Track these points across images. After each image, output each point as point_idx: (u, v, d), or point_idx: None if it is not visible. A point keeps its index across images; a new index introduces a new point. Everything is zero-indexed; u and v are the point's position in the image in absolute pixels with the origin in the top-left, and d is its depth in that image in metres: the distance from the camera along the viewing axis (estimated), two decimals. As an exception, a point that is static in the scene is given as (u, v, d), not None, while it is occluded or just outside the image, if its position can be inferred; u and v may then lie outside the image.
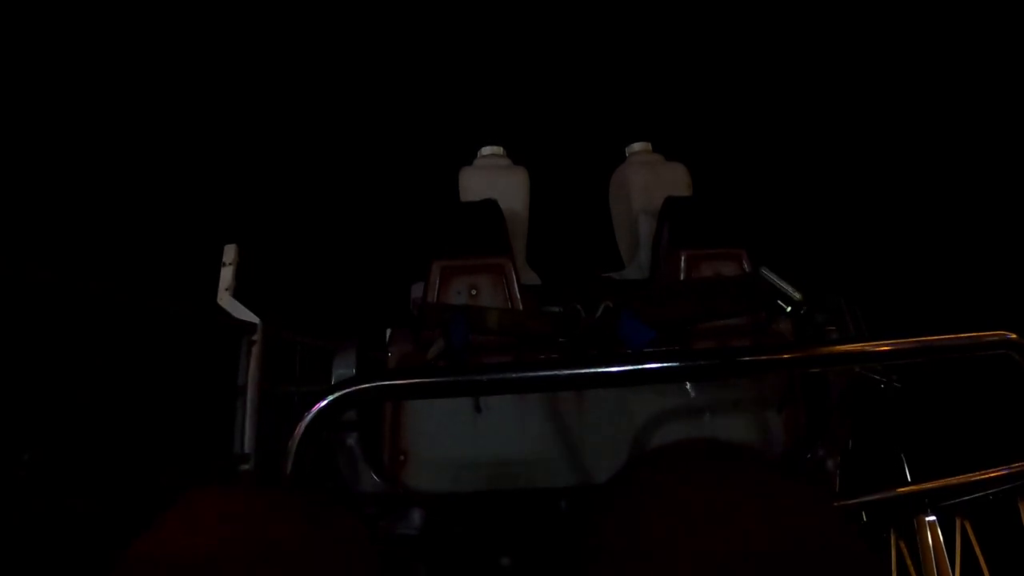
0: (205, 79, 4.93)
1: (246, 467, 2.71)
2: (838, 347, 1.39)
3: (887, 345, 1.34)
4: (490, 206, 2.47)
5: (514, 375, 1.35)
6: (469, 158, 3.08)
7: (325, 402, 1.26)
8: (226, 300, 2.73)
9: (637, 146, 3.10)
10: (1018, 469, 1.76)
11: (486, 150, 3.07)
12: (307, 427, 1.25)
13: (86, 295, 1.89)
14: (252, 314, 2.72)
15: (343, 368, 2.12)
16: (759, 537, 0.94)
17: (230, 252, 2.79)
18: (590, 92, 5.48)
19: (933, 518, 1.79)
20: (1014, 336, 1.36)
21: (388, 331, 2.29)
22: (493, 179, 2.89)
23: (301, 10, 5.25)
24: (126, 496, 1.87)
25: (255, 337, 2.72)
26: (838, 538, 0.99)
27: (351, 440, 2.12)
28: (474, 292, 2.19)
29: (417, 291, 2.35)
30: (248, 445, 2.73)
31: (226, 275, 2.74)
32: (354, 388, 1.28)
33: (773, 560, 0.92)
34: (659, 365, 1.30)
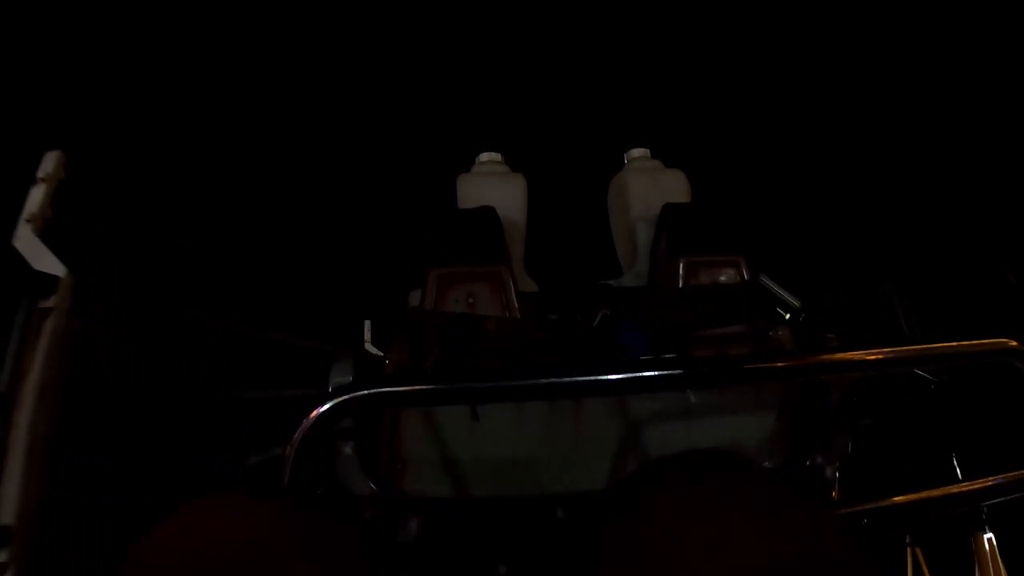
0: (204, 81, 4.93)
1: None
2: (837, 355, 1.39)
3: (887, 353, 1.34)
4: (488, 213, 2.47)
5: (512, 383, 1.35)
6: (467, 165, 3.08)
7: (323, 409, 1.26)
8: (25, 237, 1.80)
9: (636, 152, 3.10)
10: (1016, 477, 1.75)
11: (484, 156, 3.07)
12: (305, 434, 1.24)
13: None
14: (60, 265, 1.80)
15: (341, 375, 2.11)
16: (761, 549, 0.94)
17: (50, 162, 1.86)
18: (588, 98, 5.48)
19: (990, 535, 1.77)
20: (1014, 343, 1.36)
21: (367, 323, 2.21)
22: (491, 186, 2.89)
23: (297, 14, 5.25)
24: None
25: (50, 302, 1.70)
26: (840, 549, 0.98)
27: (348, 446, 2.11)
28: (471, 300, 2.19)
29: (415, 299, 2.35)
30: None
31: (35, 197, 1.80)
32: (352, 395, 1.28)
33: (775, 572, 0.91)
34: (657, 373, 1.30)
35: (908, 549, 2.13)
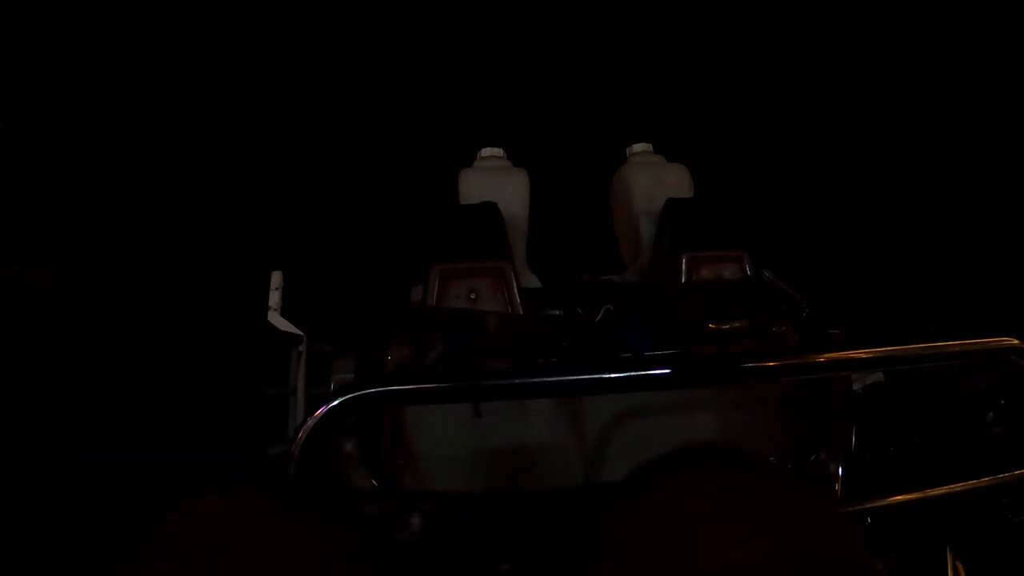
0: (203, 76, 4.92)
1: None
2: (842, 352, 1.38)
3: (891, 350, 1.33)
4: (489, 209, 2.46)
5: (515, 380, 1.34)
6: (468, 159, 3.07)
7: (327, 407, 1.25)
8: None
9: (638, 147, 3.09)
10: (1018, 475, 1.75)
11: (486, 151, 3.06)
12: (309, 432, 1.24)
13: (158, 313, 1.89)
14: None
15: (342, 373, 2.10)
16: (769, 546, 0.93)
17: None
18: (590, 93, 5.47)
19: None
20: (1015, 341, 1.35)
21: (274, 275, 2.49)
22: (493, 181, 2.88)
23: (298, 11, 5.24)
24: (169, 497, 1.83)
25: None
26: (847, 547, 0.98)
27: (350, 443, 2.11)
28: (473, 296, 2.18)
29: (416, 295, 2.34)
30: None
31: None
32: (356, 394, 1.27)
33: (783, 570, 0.91)
34: (661, 370, 1.29)
35: (949, 558, 2.12)
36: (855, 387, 2.25)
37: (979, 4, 4.89)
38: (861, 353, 1.36)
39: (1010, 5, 4.79)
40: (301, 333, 3.13)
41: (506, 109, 5.13)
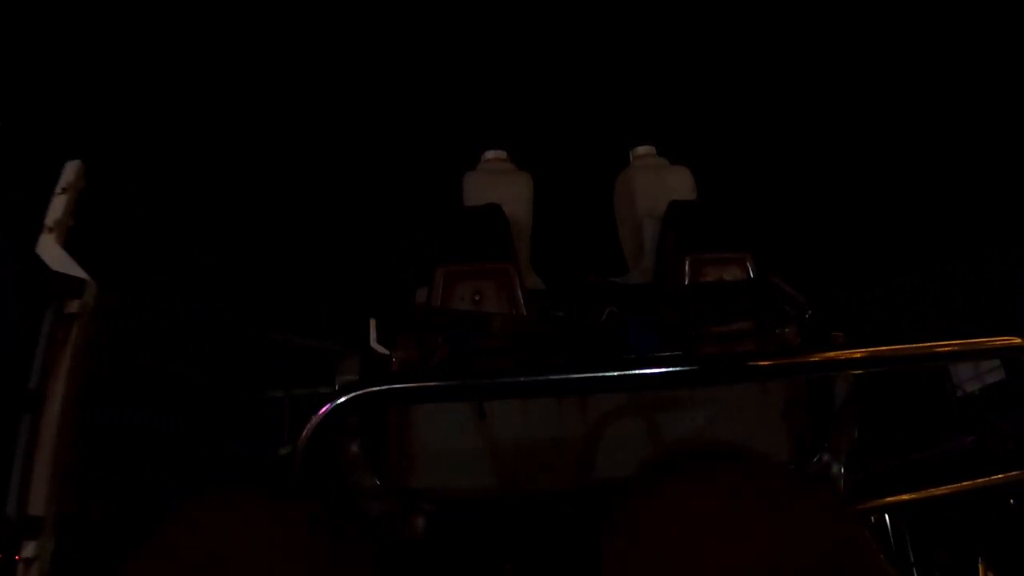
0: (208, 82, 4.94)
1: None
2: (843, 352, 1.39)
3: (896, 350, 1.33)
4: (494, 211, 2.47)
5: (519, 380, 1.36)
6: (472, 162, 3.08)
7: (332, 406, 1.27)
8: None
9: (641, 150, 3.10)
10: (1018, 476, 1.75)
11: (489, 154, 3.07)
12: (314, 431, 1.25)
13: None
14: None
15: (347, 372, 2.11)
16: (775, 546, 0.94)
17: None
18: (594, 96, 5.48)
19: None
20: (1017, 340, 1.36)
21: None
22: (497, 183, 2.89)
23: (304, 14, 5.25)
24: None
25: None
26: (851, 546, 0.98)
27: (354, 443, 2.12)
28: (478, 297, 2.19)
29: (421, 296, 2.35)
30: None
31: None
32: (360, 392, 1.29)
33: (788, 569, 0.91)
34: (664, 370, 1.30)
35: (980, 567, 2.13)
36: (971, 389, 2.24)
37: (979, 4, 4.89)
38: (862, 353, 1.37)
39: (1010, 5, 4.79)
40: (84, 276, 1.92)
41: (510, 111, 5.14)
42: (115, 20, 4.68)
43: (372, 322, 2.47)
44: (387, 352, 2.30)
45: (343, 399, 1.27)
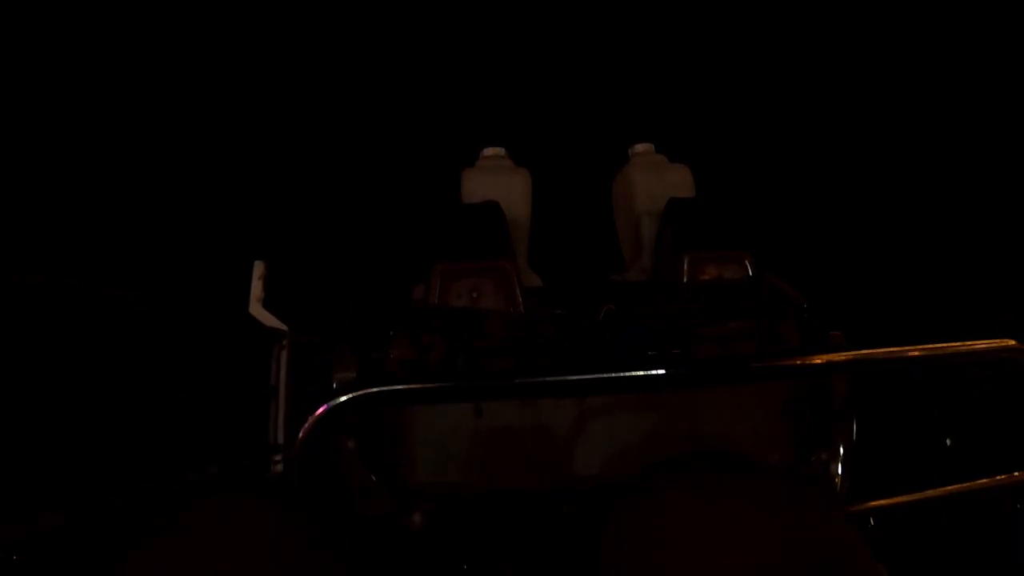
0: (207, 80, 4.93)
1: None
2: (843, 354, 1.39)
3: (893, 353, 1.33)
4: (492, 208, 2.47)
5: (516, 381, 1.35)
6: (471, 159, 3.07)
7: (330, 406, 1.26)
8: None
9: (640, 147, 3.09)
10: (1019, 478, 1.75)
11: (488, 151, 3.06)
12: (310, 431, 1.25)
13: (125, 304, 1.88)
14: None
15: (344, 371, 2.11)
16: (772, 547, 0.94)
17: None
18: (593, 93, 5.47)
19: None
20: (1013, 343, 1.36)
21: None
22: (495, 180, 2.88)
23: (303, 10, 5.24)
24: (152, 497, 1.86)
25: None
26: (848, 547, 0.98)
27: (351, 442, 2.11)
28: (475, 295, 2.18)
29: (418, 293, 2.35)
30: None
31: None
32: (357, 394, 1.28)
33: (785, 569, 0.91)
34: (662, 372, 1.29)
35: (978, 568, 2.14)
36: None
37: (979, 4, 4.89)
38: (861, 353, 1.37)
39: (1010, 5, 4.78)
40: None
41: (508, 109, 5.13)
42: (119, 22, 4.67)
43: (257, 264, 2.85)
44: (271, 319, 2.76)
45: (342, 399, 1.27)
